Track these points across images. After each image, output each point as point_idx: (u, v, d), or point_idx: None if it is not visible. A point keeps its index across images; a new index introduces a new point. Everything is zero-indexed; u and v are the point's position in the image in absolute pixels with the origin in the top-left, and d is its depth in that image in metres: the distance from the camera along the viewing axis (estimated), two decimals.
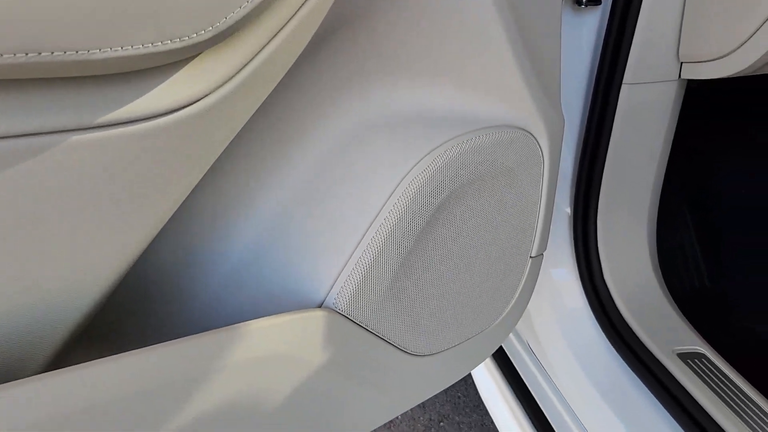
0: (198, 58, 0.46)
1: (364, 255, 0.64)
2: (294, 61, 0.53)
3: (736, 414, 0.86)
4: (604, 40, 0.94)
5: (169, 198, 0.51)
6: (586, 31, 0.97)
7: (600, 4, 0.93)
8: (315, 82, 0.66)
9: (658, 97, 0.98)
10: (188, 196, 0.55)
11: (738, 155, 1.53)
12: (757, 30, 0.82)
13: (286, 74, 0.54)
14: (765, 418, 0.87)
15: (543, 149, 0.75)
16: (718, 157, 1.53)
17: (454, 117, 0.69)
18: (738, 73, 0.87)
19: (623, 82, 0.94)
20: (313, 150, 0.67)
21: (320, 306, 0.64)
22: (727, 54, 0.87)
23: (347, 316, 0.65)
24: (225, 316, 0.67)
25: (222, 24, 0.44)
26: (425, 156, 0.65)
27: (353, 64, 0.66)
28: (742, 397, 0.90)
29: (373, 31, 0.64)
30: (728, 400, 0.89)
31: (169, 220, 0.54)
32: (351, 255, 0.64)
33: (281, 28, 0.48)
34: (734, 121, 1.53)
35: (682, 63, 0.95)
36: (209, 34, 0.43)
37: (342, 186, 0.66)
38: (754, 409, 0.88)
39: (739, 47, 0.85)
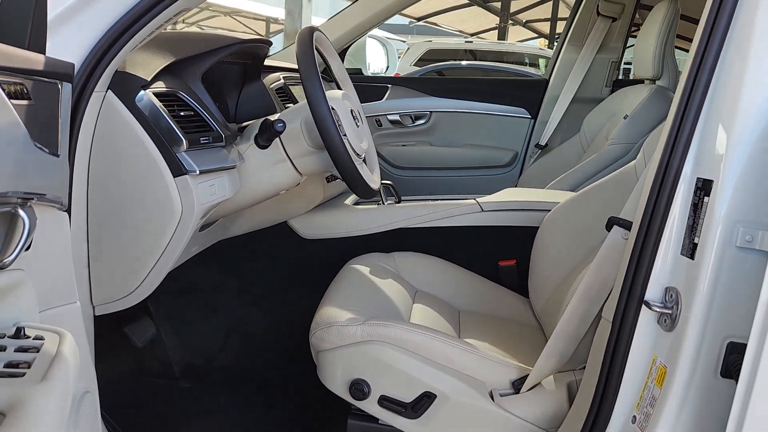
0: None
1: None
2: None
3: None
4: None
5: None
6: None
7: None
8: None
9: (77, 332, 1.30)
10: None
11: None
12: (147, 275, 1.31)
13: None
14: None
15: None
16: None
17: None
18: (138, 301, 1.33)
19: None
20: None
21: None
22: (131, 292, 1.32)
23: None
24: None
25: None
26: None
27: None
28: None
29: None
30: None
31: None
32: None
33: None
34: None
35: (95, 306, 1.33)
36: None
37: None
38: None
39: (138, 286, 1.32)
